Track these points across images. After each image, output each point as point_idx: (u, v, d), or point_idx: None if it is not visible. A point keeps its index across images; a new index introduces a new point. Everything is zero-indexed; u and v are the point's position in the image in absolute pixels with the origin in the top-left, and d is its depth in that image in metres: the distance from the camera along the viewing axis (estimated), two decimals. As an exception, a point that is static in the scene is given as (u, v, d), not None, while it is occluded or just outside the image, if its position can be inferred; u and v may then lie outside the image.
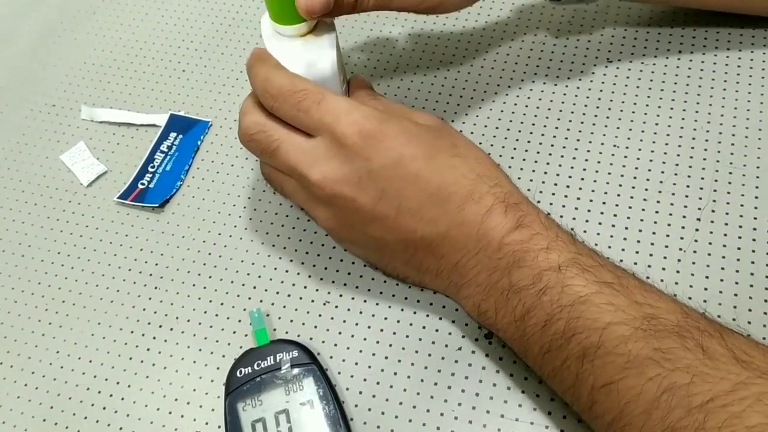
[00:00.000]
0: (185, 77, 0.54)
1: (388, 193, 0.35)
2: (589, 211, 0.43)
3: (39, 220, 0.48)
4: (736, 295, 0.39)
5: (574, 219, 0.42)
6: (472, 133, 0.47)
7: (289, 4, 0.36)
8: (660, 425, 0.28)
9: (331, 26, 0.39)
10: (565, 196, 0.43)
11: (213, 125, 0.51)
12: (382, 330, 0.41)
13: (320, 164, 0.36)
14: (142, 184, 0.48)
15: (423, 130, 0.37)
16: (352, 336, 0.41)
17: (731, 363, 0.29)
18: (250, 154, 0.48)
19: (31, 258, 0.47)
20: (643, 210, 0.42)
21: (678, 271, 0.40)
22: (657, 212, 0.42)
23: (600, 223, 0.42)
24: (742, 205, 0.41)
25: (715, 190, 0.42)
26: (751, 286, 0.39)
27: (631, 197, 0.43)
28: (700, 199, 0.42)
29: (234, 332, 0.42)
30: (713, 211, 0.41)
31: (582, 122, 0.46)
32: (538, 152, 0.45)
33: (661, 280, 0.39)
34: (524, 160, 0.45)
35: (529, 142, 0.46)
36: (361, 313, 0.41)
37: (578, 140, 0.45)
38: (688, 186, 0.43)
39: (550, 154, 0.45)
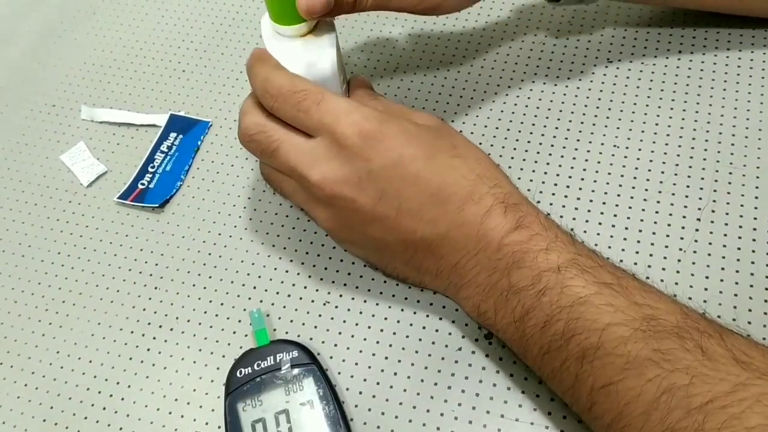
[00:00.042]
0: (185, 77, 0.54)
1: (387, 194, 0.35)
2: (589, 211, 0.43)
3: (39, 220, 0.48)
4: (736, 295, 0.39)
5: (574, 219, 0.42)
6: (472, 133, 0.47)
7: (289, 5, 0.36)
8: (659, 426, 0.28)
9: (330, 26, 0.39)
10: (565, 197, 0.43)
11: (213, 125, 0.51)
12: (382, 330, 0.41)
13: (320, 165, 0.36)
14: (142, 184, 0.48)
15: (423, 130, 0.37)
16: (352, 336, 0.41)
17: (731, 364, 0.29)
18: (250, 155, 0.48)
19: (31, 258, 0.47)
20: (643, 210, 0.42)
21: (678, 272, 0.40)
22: (657, 212, 0.42)
23: (600, 224, 0.42)
24: (742, 206, 0.41)
25: (715, 191, 0.42)
26: (751, 286, 0.39)
27: (631, 197, 0.43)
28: (700, 199, 0.42)
29: (234, 332, 0.42)
30: (713, 211, 0.41)
31: (582, 122, 0.46)
32: (538, 152, 0.45)
33: (661, 281, 0.39)
34: (524, 160, 0.45)
35: (529, 142, 0.46)
36: (361, 313, 0.41)
37: (578, 140, 0.45)
38: (688, 186, 0.43)
39: (550, 155, 0.45)
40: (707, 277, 0.39)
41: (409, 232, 0.36)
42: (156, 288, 0.44)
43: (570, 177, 0.44)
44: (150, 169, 0.49)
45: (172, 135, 0.51)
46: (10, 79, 0.57)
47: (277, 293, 0.43)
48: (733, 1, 0.46)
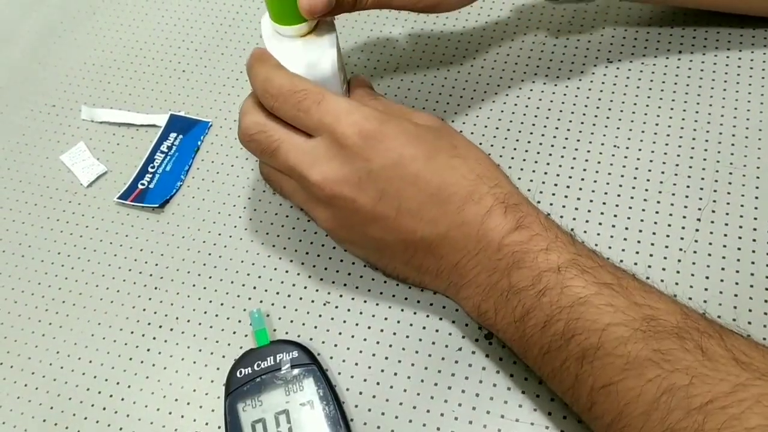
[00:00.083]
0: (185, 77, 0.54)
1: (388, 194, 0.35)
2: (589, 211, 0.43)
3: (39, 220, 0.48)
4: (736, 295, 0.39)
5: (574, 219, 0.42)
6: (472, 133, 0.47)
7: (289, 5, 0.36)
8: (659, 426, 0.28)
9: (331, 26, 0.39)
10: (565, 197, 0.43)
11: (213, 125, 0.51)
12: (382, 330, 0.41)
13: (320, 164, 0.36)
14: (142, 184, 0.48)
15: (423, 130, 0.37)
16: (352, 336, 0.41)
17: (731, 364, 0.29)
18: (250, 155, 0.48)
19: (31, 258, 0.47)
20: (643, 210, 0.42)
21: (678, 272, 0.40)
22: (657, 212, 0.42)
23: (600, 224, 0.42)
24: (742, 206, 0.41)
25: (715, 191, 0.42)
26: (752, 286, 0.39)
27: (631, 197, 0.43)
28: (701, 199, 0.42)
29: (234, 333, 0.42)
30: (713, 211, 0.41)
31: (582, 122, 0.46)
32: (538, 152, 0.45)
33: (662, 281, 0.39)
34: (524, 160, 0.45)
35: (529, 142, 0.46)
36: (361, 313, 0.41)
37: (578, 140, 0.45)
38: (688, 186, 0.43)
39: (550, 155, 0.45)
40: (707, 278, 0.39)
41: (409, 232, 0.36)
42: (156, 288, 0.44)
43: (570, 177, 0.44)
44: (150, 170, 0.49)
45: (172, 135, 0.51)
46: (11, 79, 0.57)
47: (277, 293, 0.43)
48: (732, 1, 0.46)
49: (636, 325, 0.30)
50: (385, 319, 0.41)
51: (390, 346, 0.40)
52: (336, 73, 0.38)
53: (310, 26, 0.38)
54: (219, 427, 0.39)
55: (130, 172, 0.49)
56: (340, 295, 0.42)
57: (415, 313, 0.41)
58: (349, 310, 0.42)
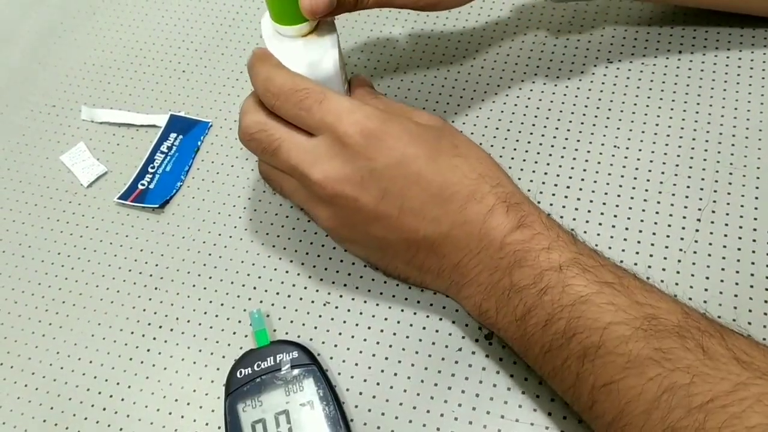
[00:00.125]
0: (185, 78, 0.54)
1: (390, 193, 0.35)
2: (589, 211, 0.43)
3: (39, 220, 0.48)
4: (736, 295, 0.39)
5: (574, 219, 0.42)
6: (472, 133, 0.47)
7: (290, 5, 0.36)
8: (660, 425, 0.28)
9: (332, 26, 0.39)
10: (565, 197, 0.43)
11: (213, 126, 0.51)
12: (382, 331, 0.41)
13: (322, 163, 0.36)
14: (142, 184, 0.48)
15: (425, 130, 0.37)
16: (353, 337, 0.41)
17: (732, 363, 0.29)
18: (250, 155, 0.49)
19: (31, 258, 0.47)
20: (644, 210, 0.42)
21: (678, 272, 0.40)
22: (657, 212, 0.42)
23: (600, 224, 0.42)
24: (742, 206, 0.41)
25: (715, 191, 0.42)
26: (752, 286, 0.39)
27: (632, 198, 0.43)
28: (701, 199, 0.42)
29: (234, 333, 0.42)
30: (713, 211, 0.41)
31: (582, 123, 0.46)
32: (538, 153, 0.45)
33: (662, 281, 0.39)
34: (524, 160, 0.45)
35: (529, 142, 0.46)
36: (361, 313, 0.41)
37: (578, 141, 0.45)
38: (688, 186, 0.43)
39: (550, 155, 0.45)
40: (707, 278, 0.39)
41: (411, 231, 0.36)
42: (156, 288, 0.44)
43: (570, 177, 0.44)
44: (150, 170, 0.49)
45: (172, 135, 0.51)
46: (11, 80, 0.57)
47: (277, 294, 0.43)
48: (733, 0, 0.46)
49: (637, 324, 0.30)
50: (385, 319, 0.41)
51: (390, 346, 0.40)
52: (337, 73, 0.38)
53: (311, 26, 0.38)
54: (219, 428, 0.39)
55: (130, 172, 0.49)
56: (340, 296, 0.42)
57: (415, 314, 0.41)
58: (349, 310, 0.42)
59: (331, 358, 0.40)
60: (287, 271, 0.43)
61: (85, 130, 0.52)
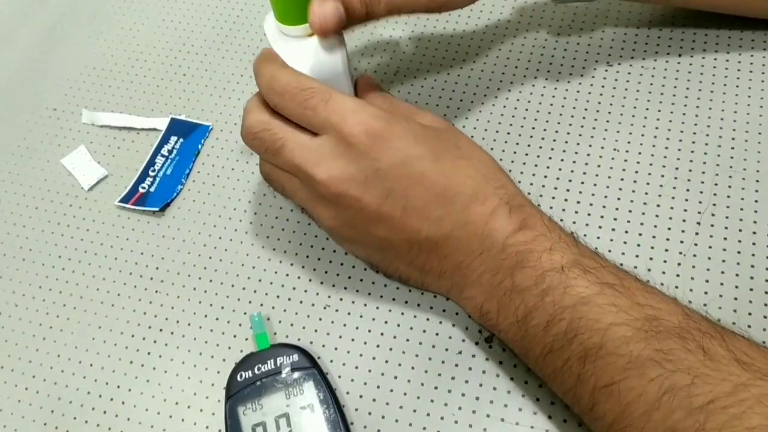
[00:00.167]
0: (186, 81, 0.54)
1: (394, 193, 0.35)
2: (589, 214, 0.43)
3: (40, 223, 0.48)
4: (736, 298, 0.39)
5: (574, 223, 0.42)
6: (472, 135, 0.47)
7: (295, 5, 0.36)
8: (661, 426, 0.28)
9: None
10: (565, 200, 0.43)
11: (213, 129, 0.51)
12: (382, 334, 0.41)
13: (326, 163, 0.35)
14: (143, 188, 0.48)
15: (429, 131, 0.37)
16: (353, 340, 0.41)
17: (732, 364, 0.29)
18: (250, 158, 0.49)
19: (31, 262, 0.47)
20: (643, 213, 0.42)
21: (678, 275, 0.40)
22: (657, 215, 0.42)
23: (600, 227, 0.42)
24: (741, 209, 0.41)
25: (715, 194, 0.42)
26: (751, 289, 0.39)
27: (631, 200, 0.43)
28: (700, 202, 0.42)
29: (234, 336, 0.42)
30: (713, 214, 0.41)
31: (582, 125, 0.46)
32: (538, 156, 0.45)
33: (661, 284, 0.39)
34: (524, 163, 0.45)
35: (529, 145, 0.46)
36: (361, 316, 0.41)
37: (578, 143, 0.46)
38: (688, 189, 0.43)
39: (550, 158, 0.45)
40: (707, 281, 0.39)
41: (414, 232, 0.36)
42: (156, 292, 0.44)
43: (570, 180, 0.44)
44: (151, 173, 0.49)
45: (173, 139, 0.51)
46: (11, 83, 0.57)
47: (278, 297, 0.43)
48: (734, 1, 0.46)
49: (638, 325, 0.30)
50: (385, 322, 0.41)
51: (390, 349, 0.40)
52: (343, 72, 0.38)
53: None
54: (219, 431, 0.39)
55: (131, 175, 0.49)
56: (341, 299, 0.42)
57: (415, 317, 0.41)
58: (349, 313, 0.42)
59: (332, 361, 0.40)
60: (287, 275, 0.43)
61: (86, 134, 0.53)
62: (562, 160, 0.45)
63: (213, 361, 0.41)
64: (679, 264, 0.40)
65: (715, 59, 0.48)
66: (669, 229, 0.41)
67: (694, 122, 0.45)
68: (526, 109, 0.48)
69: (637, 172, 0.44)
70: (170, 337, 0.42)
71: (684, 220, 0.42)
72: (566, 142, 0.46)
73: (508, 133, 0.47)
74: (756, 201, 0.42)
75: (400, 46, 0.53)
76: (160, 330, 0.43)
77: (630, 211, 0.42)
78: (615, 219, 0.42)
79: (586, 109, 0.47)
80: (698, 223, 0.41)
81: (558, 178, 0.44)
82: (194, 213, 0.47)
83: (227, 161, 0.49)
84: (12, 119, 0.55)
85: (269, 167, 0.39)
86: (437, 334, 0.40)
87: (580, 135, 0.46)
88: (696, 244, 0.41)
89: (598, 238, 0.42)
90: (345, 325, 0.41)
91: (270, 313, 0.42)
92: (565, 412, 0.36)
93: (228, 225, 0.46)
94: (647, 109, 0.46)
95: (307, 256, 0.44)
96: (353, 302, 0.42)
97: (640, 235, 0.41)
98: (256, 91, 0.39)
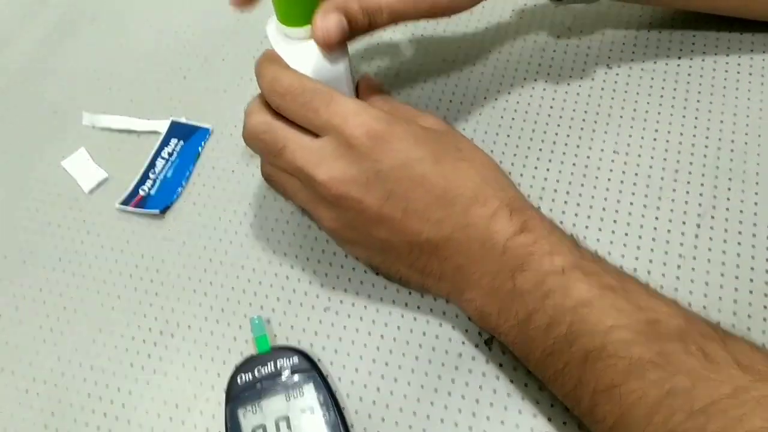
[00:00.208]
0: (186, 84, 0.54)
1: (395, 195, 0.35)
2: (589, 217, 0.43)
3: (40, 226, 0.48)
4: (735, 301, 0.39)
5: (574, 225, 0.42)
6: (473, 137, 0.47)
7: (298, 7, 0.36)
8: (662, 429, 0.28)
9: None
10: (565, 202, 0.43)
11: (214, 132, 0.51)
12: (382, 336, 0.41)
13: (327, 164, 0.36)
14: (143, 190, 0.48)
15: (430, 133, 0.37)
16: (353, 342, 0.41)
17: (732, 367, 0.29)
18: (250, 161, 0.49)
19: (32, 264, 0.47)
20: (643, 216, 0.42)
21: (678, 277, 0.40)
22: (657, 218, 0.42)
23: (600, 229, 0.42)
24: (741, 211, 0.42)
25: (715, 196, 0.42)
26: (751, 292, 0.39)
27: (631, 203, 0.43)
28: (700, 205, 0.42)
29: (234, 339, 0.42)
30: (713, 217, 0.42)
31: (582, 128, 0.46)
32: (538, 158, 0.45)
33: (661, 286, 0.39)
34: (524, 165, 0.45)
35: (529, 147, 0.46)
36: (361, 319, 0.41)
37: (578, 146, 0.46)
38: (687, 192, 0.43)
39: (550, 160, 0.45)
40: (707, 283, 0.39)
41: (414, 234, 0.36)
42: (157, 294, 0.44)
43: (570, 182, 0.44)
44: (151, 176, 0.49)
45: (173, 141, 0.51)
46: (11, 85, 0.57)
47: (278, 299, 0.43)
48: (733, 3, 0.47)
49: (639, 328, 0.30)
50: (385, 325, 0.41)
51: (390, 352, 0.40)
52: (345, 74, 0.38)
53: None
54: (219, 433, 0.39)
55: (132, 178, 0.49)
56: (341, 301, 0.42)
57: (415, 319, 0.41)
58: (349, 316, 0.42)
59: (332, 363, 0.40)
60: (288, 277, 0.43)
61: (86, 136, 0.53)
62: (562, 162, 0.45)
63: (213, 364, 0.41)
64: (678, 266, 0.40)
65: (715, 62, 0.48)
66: (669, 231, 0.41)
67: (693, 125, 0.45)
68: (526, 112, 0.48)
69: (636, 174, 0.44)
70: (170, 340, 0.42)
71: (684, 223, 0.42)
72: (566, 144, 0.46)
73: (508, 136, 0.47)
74: (756, 204, 0.42)
75: (400, 48, 0.53)
76: (161, 332, 0.43)
77: (630, 214, 0.42)
78: (615, 221, 0.42)
79: (586, 112, 0.47)
80: (698, 226, 0.41)
81: (558, 180, 0.44)
82: (194, 215, 0.47)
83: (227, 164, 0.49)
84: (12, 121, 0.55)
85: (271, 168, 0.39)
86: (437, 337, 0.40)
87: (579, 137, 0.46)
88: (696, 247, 0.41)
89: (598, 240, 0.42)
90: (345, 327, 0.41)
91: (270, 315, 0.42)
92: (565, 414, 0.36)
93: (228, 227, 0.46)
94: (647, 111, 0.46)
95: (307, 259, 0.44)
96: (353, 305, 0.42)
97: (640, 237, 0.41)
98: (258, 93, 0.39)
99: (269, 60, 0.38)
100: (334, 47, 0.37)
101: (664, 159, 0.44)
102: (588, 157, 0.45)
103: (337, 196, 0.36)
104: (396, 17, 0.38)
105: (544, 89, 0.49)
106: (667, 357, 0.29)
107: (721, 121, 0.45)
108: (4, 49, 0.60)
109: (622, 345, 0.30)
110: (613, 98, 0.47)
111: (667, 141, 0.45)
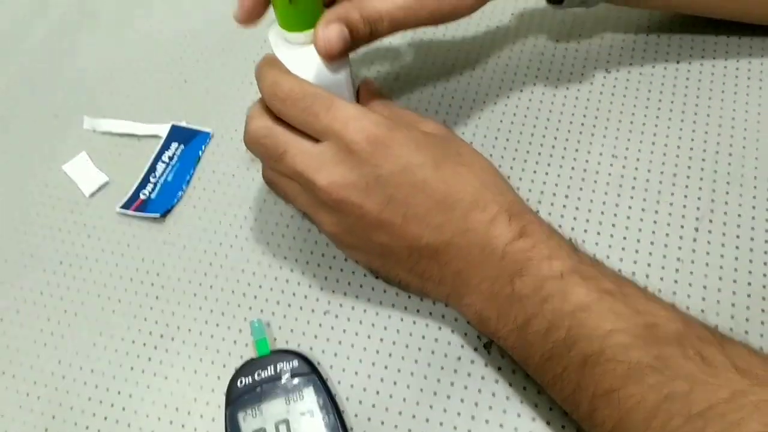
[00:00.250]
0: (187, 88, 0.54)
1: (395, 200, 0.35)
2: (587, 220, 0.43)
3: (41, 229, 0.49)
4: (733, 305, 0.39)
5: (573, 229, 0.43)
6: (472, 141, 0.47)
7: (298, 12, 0.36)
8: None
9: None
10: (564, 206, 0.44)
11: (214, 136, 0.51)
12: (381, 340, 0.41)
13: (327, 169, 0.36)
14: (144, 194, 0.49)
15: (430, 138, 0.37)
16: (352, 346, 0.41)
17: (730, 371, 0.29)
18: (250, 165, 0.49)
19: (33, 268, 0.47)
20: (642, 219, 0.42)
21: (676, 281, 0.40)
22: (655, 221, 0.42)
23: (598, 233, 0.42)
24: (739, 215, 0.42)
25: (713, 200, 0.42)
26: (749, 295, 0.39)
27: (630, 206, 0.43)
28: (698, 208, 0.42)
29: (235, 342, 0.42)
30: (711, 220, 0.42)
31: (581, 131, 0.46)
32: (537, 161, 0.46)
33: (659, 290, 0.40)
34: (524, 169, 0.45)
35: (528, 151, 0.46)
36: (361, 322, 0.41)
37: (577, 149, 0.46)
38: (686, 196, 0.43)
39: (549, 164, 0.45)
40: (705, 287, 0.40)
41: (414, 239, 0.36)
42: (157, 298, 0.44)
43: (569, 186, 0.44)
44: (152, 179, 0.49)
45: (174, 145, 0.51)
46: (13, 90, 0.57)
47: (278, 303, 0.43)
48: (732, 7, 0.47)
49: (637, 332, 0.31)
50: (385, 328, 0.41)
51: (390, 355, 0.40)
52: (346, 79, 0.38)
53: None
54: (220, 437, 0.39)
55: (132, 182, 0.49)
56: (340, 305, 0.42)
57: (414, 323, 0.41)
58: (349, 319, 0.42)
59: (331, 367, 0.40)
60: (287, 280, 0.44)
61: (87, 140, 0.53)
62: (561, 166, 0.45)
63: (213, 367, 0.41)
64: (676, 270, 0.40)
65: (713, 65, 0.48)
66: (667, 235, 0.42)
67: (692, 128, 0.45)
68: (526, 116, 0.48)
69: (635, 178, 0.44)
70: (171, 343, 0.43)
71: (682, 226, 0.42)
72: (565, 148, 0.46)
73: (508, 139, 0.47)
74: (754, 207, 0.42)
75: (400, 52, 0.53)
76: (161, 336, 0.43)
77: (628, 217, 0.43)
78: (613, 225, 0.42)
79: (585, 115, 0.47)
80: (696, 230, 0.41)
81: (557, 184, 0.44)
82: (195, 219, 0.47)
83: (227, 168, 0.49)
84: (13, 125, 0.55)
85: (272, 173, 0.39)
86: (436, 340, 0.40)
87: (578, 141, 0.46)
88: (694, 251, 0.41)
89: (597, 244, 0.42)
90: (345, 330, 0.41)
91: (270, 319, 0.42)
92: (564, 418, 0.36)
93: (228, 231, 0.46)
94: (645, 115, 0.46)
95: (307, 262, 0.44)
96: (353, 308, 0.42)
97: (638, 241, 0.42)
98: (258, 97, 0.39)
99: (269, 64, 0.38)
100: (336, 58, 0.37)
101: (663, 163, 0.44)
102: (587, 160, 0.45)
103: (337, 201, 0.36)
104: (397, 26, 0.38)
105: (543, 93, 0.49)
106: (665, 361, 0.29)
107: (720, 125, 0.45)
108: (6, 53, 0.60)
109: (620, 349, 0.30)
110: (611, 102, 0.47)
111: (666, 145, 0.45)
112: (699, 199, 0.43)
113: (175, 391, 0.41)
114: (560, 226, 0.43)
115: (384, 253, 0.38)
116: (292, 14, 0.36)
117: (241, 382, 0.38)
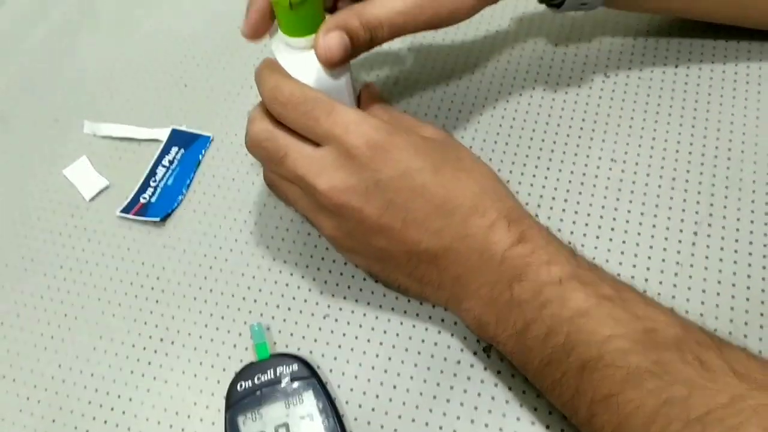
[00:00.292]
0: (187, 92, 0.54)
1: (395, 204, 0.35)
2: (586, 224, 0.43)
3: (41, 234, 0.49)
4: (732, 309, 0.39)
5: (572, 233, 0.43)
6: (471, 146, 0.47)
7: (299, 17, 0.36)
8: None
9: None
10: (563, 210, 0.44)
11: (214, 140, 0.51)
12: (381, 343, 0.41)
13: (328, 173, 0.36)
14: (144, 198, 0.49)
15: (430, 143, 0.37)
16: (352, 349, 0.41)
17: (729, 376, 0.29)
18: (250, 169, 0.49)
19: (33, 272, 0.47)
20: (641, 224, 0.42)
21: (675, 285, 0.40)
22: (654, 226, 0.42)
23: (597, 237, 0.42)
24: (738, 219, 0.42)
25: (712, 204, 0.42)
26: (747, 300, 0.39)
27: (629, 211, 0.43)
28: (697, 213, 0.42)
29: (234, 346, 0.42)
30: (710, 225, 0.42)
31: (580, 136, 0.47)
32: (536, 166, 0.46)
33: (658, 294, 0.40)
34: (523, 174, 0.45)
35: (527, 155, 0.46)
36: (360, 326, 0.42)
37: (576, 154, 0.46)
38: (685, 200, 0.43)
39: (548, 168, 0.45)
40: (704, 291, 0.40)
41: (413, 243, 0.36)
42: (157, 301, 0.44)
43: (568, 190, 0.44)
44: (152, 183, 0.49)
45: (174, 149, 0.51)
46: (13, 94, 0.57)
47: (278, 307, 0.43)
48: (731, 11, 0.47)
49: (636, 337, 0.31)
50: (385, 332, 0.41)
51: (389, 359, 0.40)
52: (346, 84, 0.38)
53: None
54: (219, 440, 0.39)
55: (132, 186, 0.49)
56: (340, 308, 0.42)
57: (414, 326, 0.41)
58: (348, 323, 0.42)
59: (331, 370, 0.40)
60: (287, 284, 0.44)
61: (87, 144, 0.53)
62: (560, 170, 0.45)
63: (213, 371, 0.41)
64: (675, 274, 0.40)
65: (712, 70, 0.48)
66: (666, 239, 0.42)
67: (691, 133, 0.45)
68: (525, 120, 0.48)
69: (634, 182, 0.44)
70: (171, 347, 0.43)
71: (681, 231, 0.42)
72: (564, 152, 0.46)
73: (507, 143, 0.47)
74: (752, 212, 0.42)
75: (400, 56, 0.53)
76: (161, 340, 0.43)
77: (627, 222, 0.43)
78: (612, 229, 0.42)
79: (583, 120, 0.47)
80: (695, 234, 0.42)
81: (556, 188, 0.45)
82: (195, 223, 0.47)
83: (227, 172, 0.49)
84: (14, 130, 0.55)
85: (272, 176, 0.40)
86: (436, 344, 0.40)
87: (577, 145, 0.46)
88: (693, 255, 0.41)
89: (596, 248, 0.42)
90: (344, 334, 0.41)
91: (270, 322, 0.42)
92: (563, 422, 0.37)
93: (228, 235, 0.46)
94: (644, 119, 0.47)
95: (307, 266, 0.44)
96: (353, 312, 0.42)
97: (638, 245, 0.42)
98: (258, 101, 0.39)
99: (270, 68, 0.38)
100: (336, 65, 0.37)
101: (662, 167, 0.44)
102: (586, 165, 0.45)
103: (337, 206, 0.36)
104: (397, 31, 0.39)
105: (543, 97, 0.49)
106: (664, 366, 0.29)
107: (719, 129, 0.45)
108: (6, 57, 0.60)
109: (619, 354, 0.30)
110: (610, 106, 0.48)
111: (665, 149, 0.45)
112: (698, 203, 0.43)
113: (175, 394, 0.41)
114: (559, 230, 0.43)
115: (383, 258, 0.38)
116: (293, 19, 0.37)
117: (241, 385, 0.38)
